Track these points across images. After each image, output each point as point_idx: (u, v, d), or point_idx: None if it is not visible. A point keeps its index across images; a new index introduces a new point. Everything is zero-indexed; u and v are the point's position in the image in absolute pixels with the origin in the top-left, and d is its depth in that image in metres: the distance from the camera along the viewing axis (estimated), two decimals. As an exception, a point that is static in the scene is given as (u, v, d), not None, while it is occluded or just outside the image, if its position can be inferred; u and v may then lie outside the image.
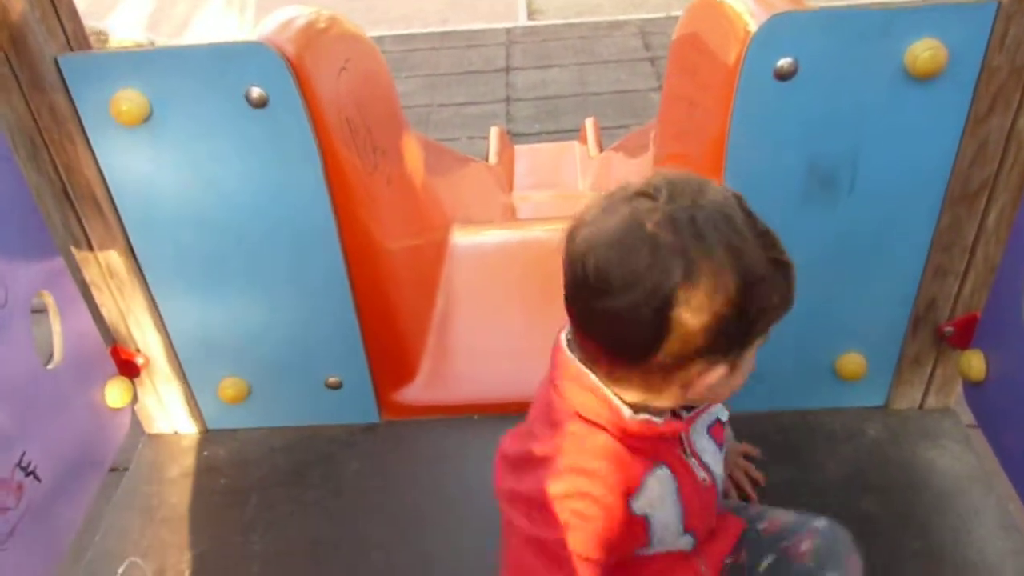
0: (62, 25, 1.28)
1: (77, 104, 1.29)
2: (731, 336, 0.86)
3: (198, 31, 7.21)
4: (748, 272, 0.83)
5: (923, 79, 1.22)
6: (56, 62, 1.25)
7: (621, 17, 6.69)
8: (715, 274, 0.81)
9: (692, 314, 0.81)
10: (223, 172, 1.35)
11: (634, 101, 5.37)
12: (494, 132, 4.27)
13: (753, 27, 1.23)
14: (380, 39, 6.32)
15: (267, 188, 1.36)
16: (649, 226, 0.81)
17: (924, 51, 1.19)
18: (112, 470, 1.56)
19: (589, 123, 4.29)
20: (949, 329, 1.49)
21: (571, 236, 0.89)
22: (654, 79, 5.61)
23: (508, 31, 6.53)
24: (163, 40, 7.13)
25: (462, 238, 2.27)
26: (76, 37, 1.31)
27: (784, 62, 1.22)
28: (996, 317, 1.42)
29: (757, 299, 0.85)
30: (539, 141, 4.91)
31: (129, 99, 1.26)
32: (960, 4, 1.21)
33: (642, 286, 0.81)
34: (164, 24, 7.42)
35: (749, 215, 0.89)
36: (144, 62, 1.26)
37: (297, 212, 1.38)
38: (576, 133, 4.47)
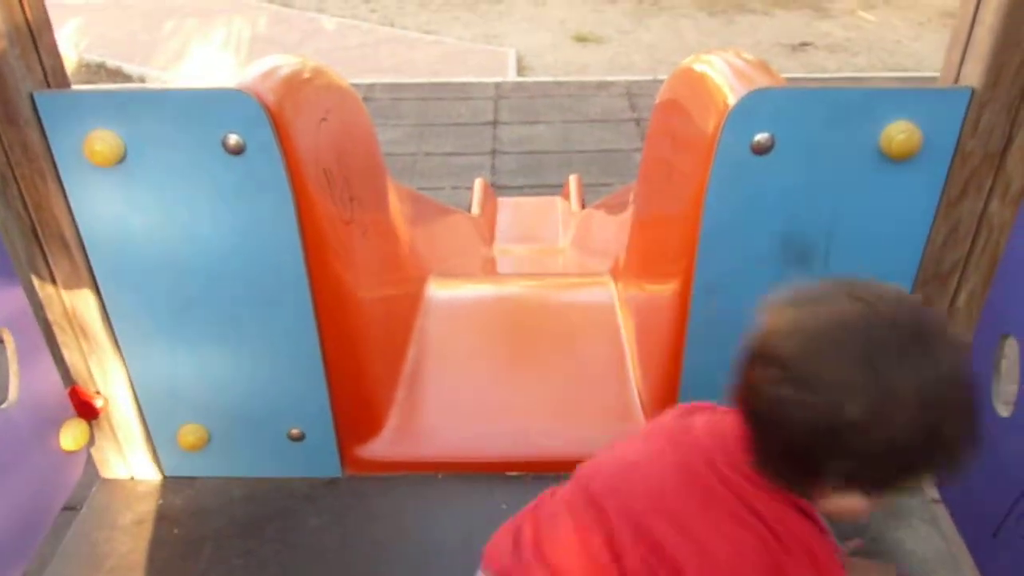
0: (41, 62, 1.27)
1: (51, 141, 1.27)
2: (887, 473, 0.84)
3: (188, 67, 7.25)
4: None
5: (898, 160, 1.23)
6: (32, 98, 1.24)
7: (608, 78, 6.81)
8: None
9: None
10: (195, 217, 1.33)
11: (618, 160, 5.43)
12: (478, 183, 4.29)
13: (732, 100, 1.24)
14: (371, 86, 6.38)
15: (239, 235, 1.34)
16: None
17: (899, 133, 1.20)
18: (67, 508, 1.51)
19: (573, 179, 4.32)
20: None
21: None
22: (638, 140, 5.69)
23: (497, 86, 6.61)
24: (152, 74, 7.17)
25: (438, 291, 2.25)
26: (54, 74, 1.29)
27: (761, 137, 1.23)
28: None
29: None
30: (522, 194, 4.94)
31: (103, 139, 1.24)
32: (936, 89, 1.23)
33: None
34: (155, 58, 7.46)
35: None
36: (121, 103, 1.25)
37: (268, 261, 1.37)
38: (559, 188, 4.51)
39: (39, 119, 1.25)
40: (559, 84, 6.70)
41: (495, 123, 5.99)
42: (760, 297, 1.39)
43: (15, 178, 1.30)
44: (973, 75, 1.20)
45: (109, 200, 1.32)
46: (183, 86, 1.32)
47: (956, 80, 1.25)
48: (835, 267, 1.34)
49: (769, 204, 1.29)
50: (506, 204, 4.24)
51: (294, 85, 1.37)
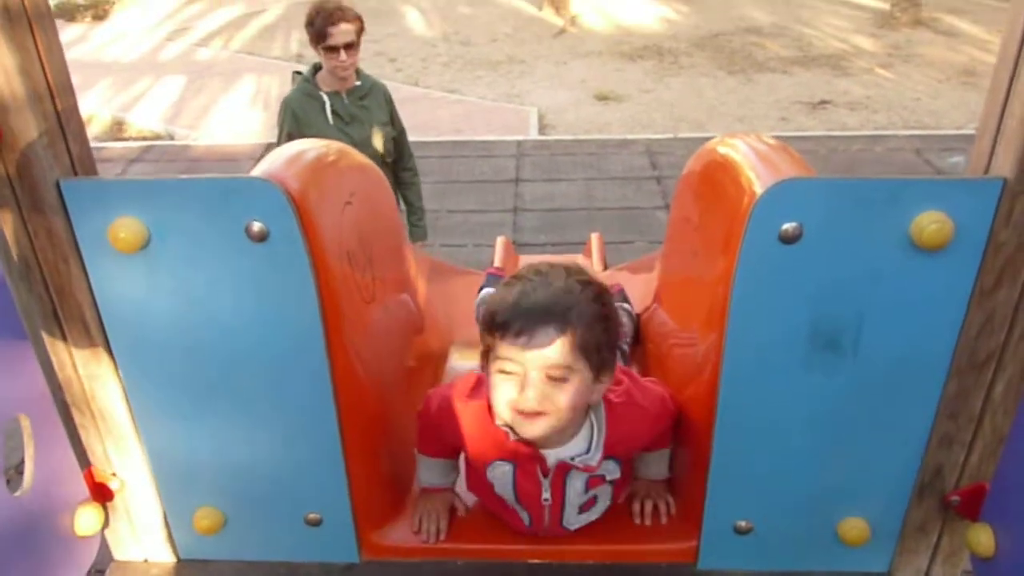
0: (68, 149, 1.28)
1: (75, 228, 1.28)
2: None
3: (216, 125, 7.39)
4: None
5: (929, 250, 1.20)
6: (58, 186, 1.25)
7: (629, 136, 6.86)
8: None
9: None
10: (217, 302, 1.32)
11: (639, 218, 5.44)
12: (500, 242, 4.27)
13: (759, 189, 1.23)
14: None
15: (260, 321, 1.33)
16: None
17: (930, 224, 1.18)
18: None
19: (594, 238, 4.30)
20: (956, 498, 1.44)
21: None
22: (659, 197, 5.71)
23: (519, 144, 6.68)
24: (181, 131, 7.30)
25: (460, 361, 2.23)
26: (81, 161, 1.30)
27: (788, 226, 1.21)
28: (1005, 490, 1.37)
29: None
30: (544, 252, 4.94)
31: (127, 227, 1.25)
32: (966, 180, 1.21)
33: None
34: (184, 117, 7.61)
35: None
36: (146, 191, 1.26)
37: (289, 346, 1.35)
38: (581, 246, 4.50)
39: (64, 206, 1.26)
40: (580, 142, 6.76)
41: (517, 180, 6.03)
42: (790, 385, 1.36)
43: (39, 263, 1.31)
44: (1004, 166, 1.18)
45: (131, 285, 1.32)
46: (208, 176, 1.31)
47: (987, 170, 1.22)
48: (866, 356, 1.31)
49: (798, 293, 1.27)
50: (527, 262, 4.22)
51: (318, 171, 1.38)
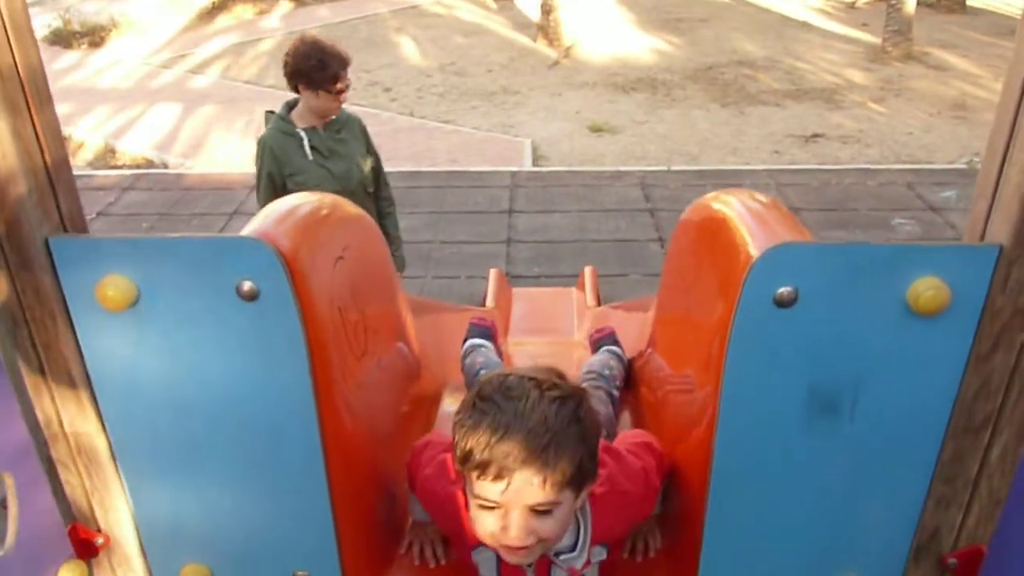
0: (58, 206, 1.27)
1: (63, 286, 1.26)
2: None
3: (210, 153, 7.40)
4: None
5: (926, 316, 1.20)
6: (47, 243, 1.24)
7: (622, 168, 6.89)
8: None
9: None
10: (206, 361, 1.31)
11: (633, 250, 5.45)
12: (493, 275, 4.27)
13: (755, 252, 1.22)
14: (388, 175, 6.47)
15: (250, 379, 1.32)
16: None
17: (927, 289, 1.18)
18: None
19: (588, 272, 4.30)
20: (953, 561, 1.42)
21: None
22: (653, 230, 5.72)
23: (513, 175, 6.70)
24: (175, 160, 7.30)
25: (452, 405, 2.21)
26: (71, 217, 1.29)
27: (784, 290, 1.20)
28: (1002, 554, 1.35)
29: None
30: (538, 284, 4.93)
31: (116, 285, 1.23)
32: (963, 246, 1.21)
33: None
34: (177, 144, 7.62)
35: None
36: (135, 249, 1.24)
37: (278, 404, 1.34)
38: (574, 278, 4.49)
39: (53, 263, 1.25)
40: (574, 173, 6.79)
41: (511, 212, 6.05)
42: (786, 446, 1.35)
43: (26, 320, 1.29)
44: (1001, 233, 1.18)
45: (119, 342, 1.30)
46: (198, 235, 1.30)
47: (983, 235, 1.22)
48: (862, 419, 1.30)
49: (794, 356, 1.26)
50: (521, 295, 4.21)
51: (310, 228, 1.37)
